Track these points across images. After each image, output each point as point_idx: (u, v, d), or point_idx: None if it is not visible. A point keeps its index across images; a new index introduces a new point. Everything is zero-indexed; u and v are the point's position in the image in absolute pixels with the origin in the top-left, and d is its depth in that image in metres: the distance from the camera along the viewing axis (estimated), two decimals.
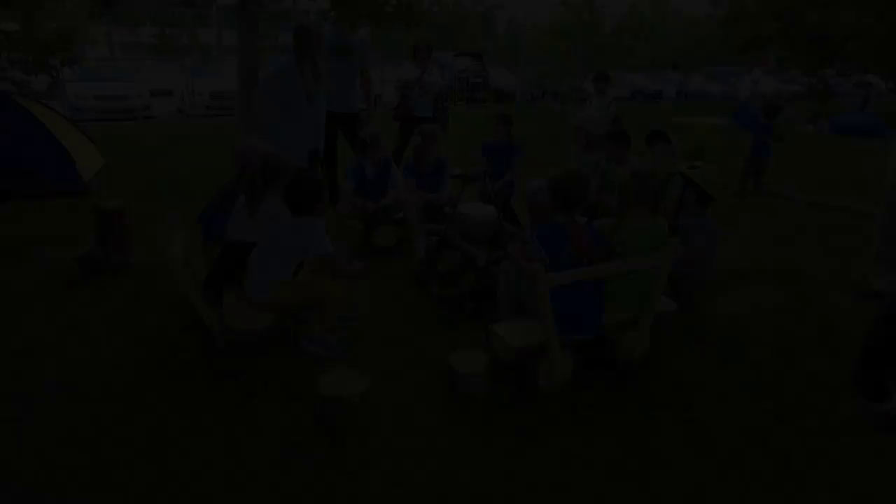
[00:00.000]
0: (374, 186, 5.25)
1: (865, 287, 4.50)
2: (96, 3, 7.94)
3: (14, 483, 2.61)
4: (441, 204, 5.26)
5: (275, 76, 4.66)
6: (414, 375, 3.52)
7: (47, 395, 3.25)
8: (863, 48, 10.38)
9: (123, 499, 2.64)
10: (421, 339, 3.85)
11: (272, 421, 3.12)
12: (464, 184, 4.93)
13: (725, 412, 3.33)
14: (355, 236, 4.69)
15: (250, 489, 2.73)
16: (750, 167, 7.86)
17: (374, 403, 3.26)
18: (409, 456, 2.97)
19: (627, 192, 3.48)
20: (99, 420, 3.12)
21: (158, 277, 4.52)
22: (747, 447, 3.10)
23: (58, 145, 6.66)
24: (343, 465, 2.90)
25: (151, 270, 4.69)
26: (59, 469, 2.77)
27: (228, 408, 3.21)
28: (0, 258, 4.94)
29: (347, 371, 3.24)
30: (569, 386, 3.39)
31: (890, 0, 9.64)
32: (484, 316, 3.98)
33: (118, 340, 3.75)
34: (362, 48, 5.73)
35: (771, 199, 7.54)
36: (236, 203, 3.64)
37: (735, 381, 3.61)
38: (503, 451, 3.00)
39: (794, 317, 4.25)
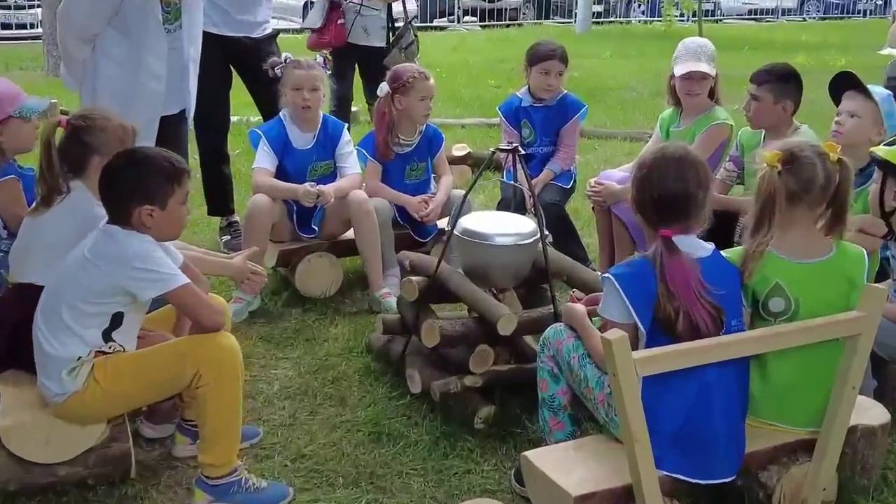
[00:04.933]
0: (300, 171, 4.19)
1: None
2: None
3: None
4: (430, 212, 4.32)
5: None
6: None
7: None
8: None
9: None
10: (394, 478, 2.99)
11: None
12: (477, 172, 3.61)
13: None
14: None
15: None
16: None
17: None
18: None
19: (777, 189, 2.65)
20: None
21: None
22: None
23: None
24: None
25: None
26: None
27: None
28: None
29: None
30: None
31: None
32: (510, 431, 3.21)
33: None
34: None
35: None
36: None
37: None
38: None
39: None
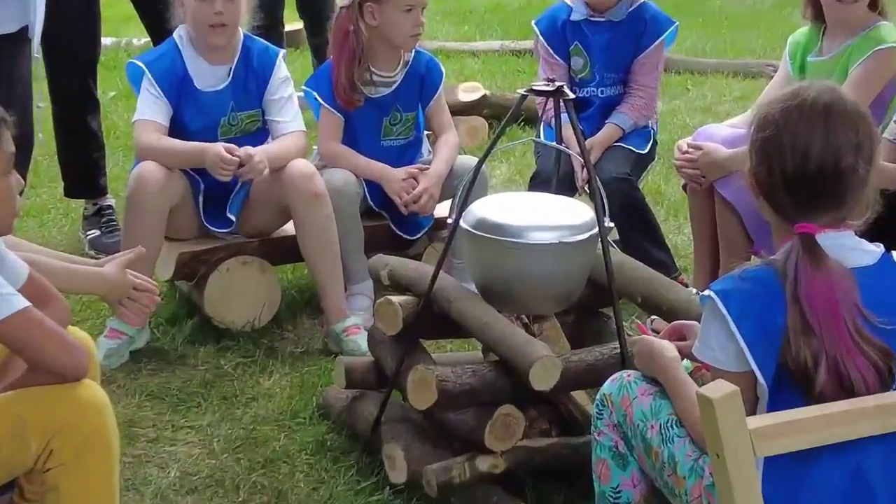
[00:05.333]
0: (207, 128, 4.33)
1: None
2: None
3: None
4: (421, 193, 4.44)
5: None
6: None
7: None
8: None
9: None
10: None
11: None
12: (498, 127, 3.79)
13: None
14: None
15: None
16: None
17: None
18: None
19: None
20: None
21: None
22: None
23: None
24: None
25: None
26: None
27: None
28: None
29: None
30: None
31: None
32: None
33: None
34: None
35: None
36: None
37: None
38: None
39: None
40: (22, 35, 4.17)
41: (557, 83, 3.39)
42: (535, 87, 3.37)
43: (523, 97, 3.39)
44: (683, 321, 3.00)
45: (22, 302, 2.68)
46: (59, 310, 2.91)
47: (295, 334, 4.29)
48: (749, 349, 2.52)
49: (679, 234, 5.05)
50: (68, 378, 2.73)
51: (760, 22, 9.47)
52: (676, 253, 4.67)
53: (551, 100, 3.53)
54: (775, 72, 7.50)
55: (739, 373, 2.51)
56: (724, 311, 2.54)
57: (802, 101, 2.65)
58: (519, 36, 8.67)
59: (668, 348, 2.83)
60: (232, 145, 4.12)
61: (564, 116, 3.68)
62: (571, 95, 3.42)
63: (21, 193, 2.84)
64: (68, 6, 4.68)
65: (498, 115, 6.55)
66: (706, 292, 2.62)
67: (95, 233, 4.91)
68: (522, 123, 6.51)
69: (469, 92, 6.38)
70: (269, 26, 5.74)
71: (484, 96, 6.42)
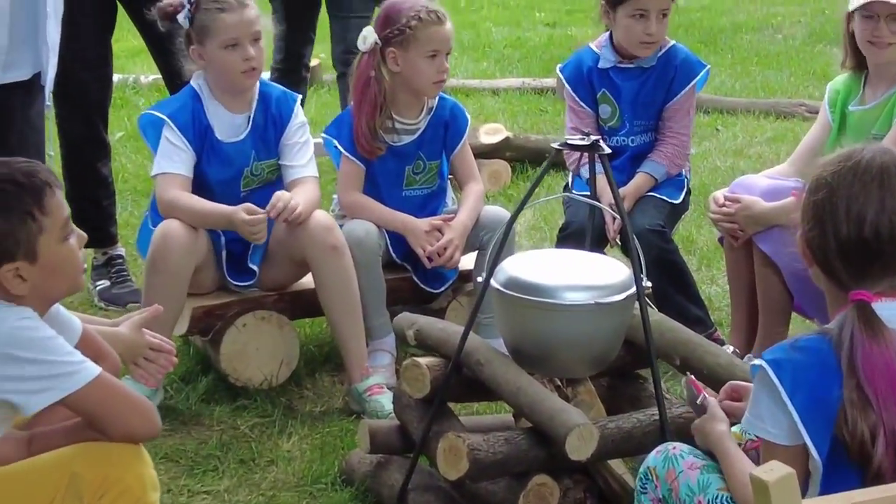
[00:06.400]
0: (230, 180, 4.35)
1: None
2: None
3: None
4: (447, 245, 4.41)
5: None
6: None
7: None
8: None
9: None
10: None
11: None
12: (531, 181, 3.81)
13: None
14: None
15: None
16: None
17: None
18: None
19: None
20: None
21: None
22: None
23: None
24: None
25: None
26: None
27: None
28: None
29: None
30: None
31: None
32: None
33: None
34: None
35: None
36: None
37: None
38: None
39: None
40: (35, 82, 4.19)
41: (593, 137, 3.37)
42: (570, 142, 3.36)
43: (557, 151, 3.37)
44: (738, 382, 3.00)
45: (94, 369, 2.73)
46: (111, 365, 2.95)
47: (314, 392, 4.26)
48: (802, 422, 2.48)
49: (712, 286, 5.02)
50: (138, 440, 2.79)
51: (791, 59, 9.50)
52: (710, 306, 4.64)
53: (586, 155, 3.52)
54: (809, 112, 7.54)
55: (791, 447, 2.49)
56: (777, 382, 2.51)
57: (856, 164, 2.65)
58: (541, 73, 8.65)
59: (721, 419, 2.80)
60: (251, 205, 4.10)
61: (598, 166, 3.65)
62: (608, 150, 3.41)
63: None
64: (82, 50, 4.71)
65: (521, 158, 6.59)
66: (757, 362, 2.59)
67: (105, 283, 4.91)
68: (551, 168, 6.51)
69: (491, 134, 6.36)
70: (290, 68, 5.83)
71: (506, 138, 6.40)
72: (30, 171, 2.75)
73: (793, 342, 2.86)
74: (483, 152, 6.18)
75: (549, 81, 8.29)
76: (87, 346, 2.82)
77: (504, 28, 10.62)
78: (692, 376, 3.44)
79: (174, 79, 4.68)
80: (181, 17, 4.20)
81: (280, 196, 4.11)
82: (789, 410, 2.50)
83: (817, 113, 5.01)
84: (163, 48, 4.83)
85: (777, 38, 10.39)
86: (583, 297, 3.31)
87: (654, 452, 2.88)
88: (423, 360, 3.42)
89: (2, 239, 2.71)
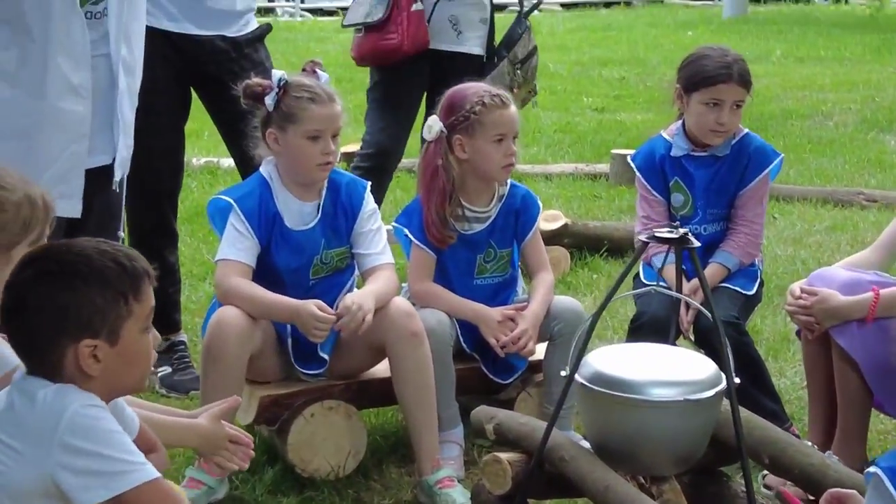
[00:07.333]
0: (299, 269, 4.36)
1: None
2: None
3: None
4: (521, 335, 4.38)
5: None
6: None
7: None
8: None
9: None
10: None
11: None
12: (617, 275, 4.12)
13: None
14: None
15: None
16: None
17: None
18: None
19: None
20: None
21: None
22: None
23: None
24: None
25: None
26: None
27: None
28: None
29: None
30: None
31: None
32: None
33: None
34: None
35: None
36: None
37: None
38: None
39: None
40: (109, 169, 4.23)
41: (681, 230, 3.36)
42: (657, 234, 3.35)
43: (645, 244, 3.38)
44: (840, 489, 2.93)
45: (152, 472, 2.72)
46: (159, 460, 2.92)
47: (381, 484, 4.22)
48: None
49: (781, 378, 4.94)
50: None
51: (845, 146, 9.50)
52: (782, 396, 4.58)
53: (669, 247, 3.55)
54: (867, 200, 7.53)
55: None
56: (893, 491, 2.47)
57: None
58: (592, 158, 8.71)
59: None
60: (322, 303, 4.08)
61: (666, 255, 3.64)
62: (697, 244, 3.39)
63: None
64: (155, 137, 4.76)
65: (579, 245, 6.60)
66: (872, 469, 2.54)
67: (167, 370, 4.91)
68: (605, 254, 6.51)
69: (549, 221, 6.34)
70: (378, 165, 5.98)
71: (565, 225, 6.42)
72: (132, 256, 2.77)
73: None
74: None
75: (602, 166, 8.39)
76: (141, 441, 2.82)
77: (553, 113, 10.70)
78: (786, 489, 3.43)
79: (246, 164, 4.71)
80: (268, 99, 4.22)
81: (348, 308, 4.06)
82: None
83: (875, 202, 5.03)
84: (235, 129, 4.85)
85: (828, 124, 10.42)
86: (671, 394, 3.30)
87: None
88: (504, 456, 3.40)
89: (92, 313, 2.72)
